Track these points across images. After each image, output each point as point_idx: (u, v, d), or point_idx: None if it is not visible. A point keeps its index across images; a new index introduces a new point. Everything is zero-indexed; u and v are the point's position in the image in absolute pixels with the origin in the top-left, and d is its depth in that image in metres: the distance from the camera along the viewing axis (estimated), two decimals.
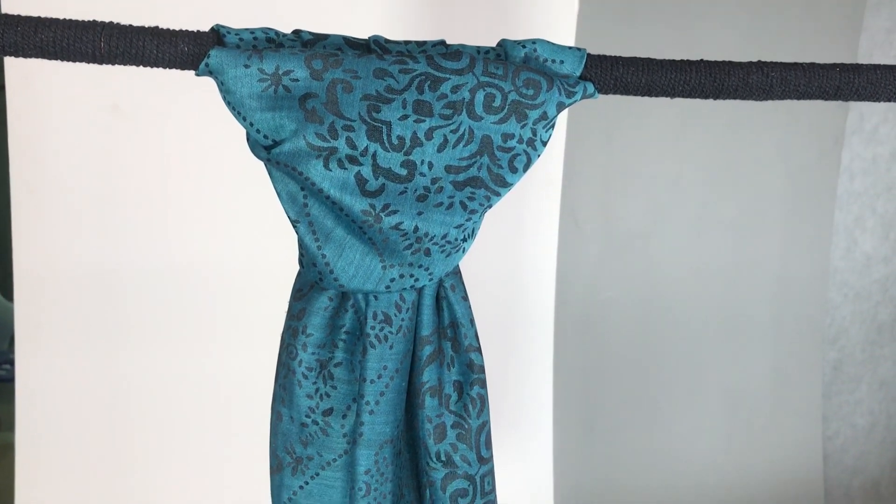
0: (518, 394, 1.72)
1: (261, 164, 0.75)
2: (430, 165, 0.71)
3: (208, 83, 0.80)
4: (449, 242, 0.76)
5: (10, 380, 1.79)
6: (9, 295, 1.71)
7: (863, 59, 2.03)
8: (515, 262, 1.81)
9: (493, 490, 0.84)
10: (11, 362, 1.75)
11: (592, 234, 1.89)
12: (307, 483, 0.81)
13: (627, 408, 1.94)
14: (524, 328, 1.83)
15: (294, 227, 0.74)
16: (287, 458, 0.81)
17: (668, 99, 0.74)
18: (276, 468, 0.82)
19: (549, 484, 1.88)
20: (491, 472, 0.84)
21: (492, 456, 0.84)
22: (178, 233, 1.69)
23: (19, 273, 1.65)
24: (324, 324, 0.78)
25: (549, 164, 1.82)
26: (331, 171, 0.69)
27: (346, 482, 0.80)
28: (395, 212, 0.72)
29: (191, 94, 1.54)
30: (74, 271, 1.66)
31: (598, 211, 1.88)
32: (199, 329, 1.71)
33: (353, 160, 0.69)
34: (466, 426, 0.81)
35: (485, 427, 0.83)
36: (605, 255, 1.89)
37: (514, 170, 0.72)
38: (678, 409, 1.95)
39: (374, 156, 0.69)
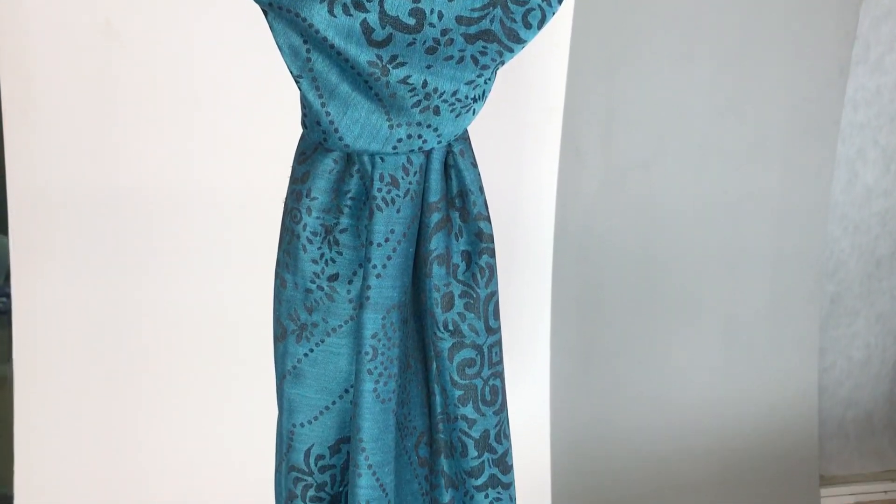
0: (515, 324, 1.72)
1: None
2: (440, 15, 0.68)
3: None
4: (459, 100, 0.74)
5: (5, 312, 1.79)
6: (3, 228, 1.70)
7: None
8: (515, 192, 1.80)
9: (501, 361, 0.83)
10: (7, 295, 1.74)
11: (593, 164, 1.87)
12: (312, 350, 0.80)
13: (625, 338, 1.94)
14: (523, 258, 1.82)
15: (297, 83, 0.72)
16: (291, 325, 0.80)
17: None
18: (280, 336, 0.81)
19: (546, 413, 1.89)
20: (498, 343, 0.83)
21: (500, 327, 0.83)
22: (173, 155, 1.66)
23: (13, 201, 1.64)
24: (328, 188, 0.77)
25: (551, 92, 1.80)
26: (335, 17, 0.67)
27: (353, 349, 0.79)
28: (402, 64, 0.69)
29: (184, 10, 1.51)
30: (69, 197, 1.64)
31: (599, 140, 1.86)
32: (197, 252, 1.70)
33: (358, 6, 0.67)
34: (474, 295, 0.80)
35: (493, 297, 0.82)
36: (606, 185, 1.88)
37: (528, 25, 0.70)
38: (675, 339, 1.96)
39: (381, 2, 0.67)
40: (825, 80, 1.92)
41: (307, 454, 0.81)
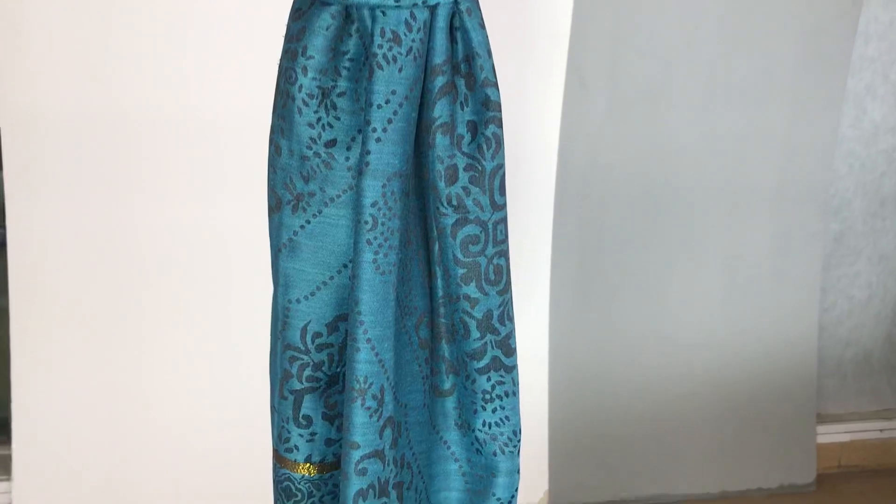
0: (515, 257, 1.69)
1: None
2: None
3: None
4: None
5: (2, 244, 1.76)
6: None
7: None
8: (518, 123, 1.77)
9: (506, 240, 0.81)
10: (3, 226, 1.72)
11: (598, 95, 1.83)
12: (309, 222, 0.76)
13: (625, 273, 1.93)
14: (524, 190, 1.80)
15: None
16: (287, 196, 0.76)
17: None
18: (275, 207, 0.78)
19: (544, 347, 1.89)
20: (504, 221, 0.80)
21: (505, 204, 0.80)
22: (167, 76, 1.62)
23: (6, 128, 1.60)
24: (326, 46, 0.73)
25: (556, 19, 1.75)
26: None
27: (352, 221, 0.76)
28: None
29: None
30: (61, 122, 1.61)
31: (604, 70, 1.82)
32: (190, 173, 1.67)
33: None
34: (479, 168, 0.77)
35: (499, 170, 0.78)
36: (611, 116, 1.84)
37: None
38: (676, 275, 1.94)
39: None
40: (837, 11, 1.88)
41: (303, 332, 0.78)
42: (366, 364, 0.74)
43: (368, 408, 0.74)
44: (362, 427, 0.74)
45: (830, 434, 2.16)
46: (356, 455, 0.74)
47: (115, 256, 1.68)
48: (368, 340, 0.74)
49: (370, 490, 0.75)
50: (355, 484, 0.74)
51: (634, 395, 1.96)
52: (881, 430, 2.19)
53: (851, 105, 2.05)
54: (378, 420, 0.75)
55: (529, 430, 1.89)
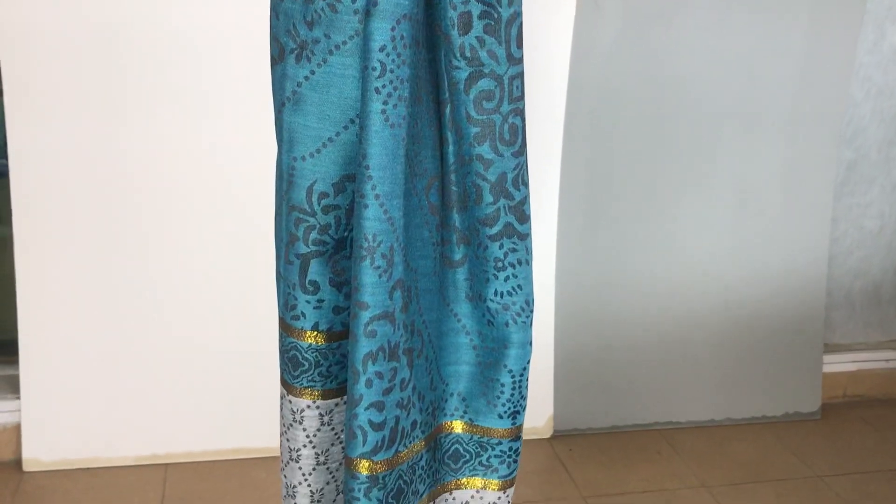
0: None
1: None
2: None
3: None
4: None
5: (3, 174, 1.74)
6: None
7: None
8: (527, 43, 1.72)
9: (522, 97, 0.76)
10: (5, 156, 1.69)
11: (611, 14, 1.78)
12: (314, 72, 0.73)
13: (635, 197, 1.90)
14: (533, 111, 1.76)
15: None
16: (290, 43, 0.72)
17: None
18: (278, 56, 0.74)
19: (551, 273, 1.87)
20: (521, 77, 0.76)
21: (522, 58, 0.75)
22: None
23: (6, 56, 1.57)
24: None
25: None
26: None
27: (359, 71, 0.72)
28: None
29: None
30: (60, 46, 1.58)
31: None
32: (195, 97, 1.64)
33: None
34: (495, 16, 0.72)
35: (516, 19, 0.74)
36: (623, 36, 1.80)
37: None
38: (687, 199, 1.92)
39: None
40: None
41: (309, 192, 0.75)
42: (374, 221, 0.71)
43: (378, 267, 0.71)
44: (371, 287, 0.71)
45: (837, 364, 2.15)
46: (365, 316, 0.72)
47: (114, 180, 1.66)
48: (377, 196, 0.70)
49: (380, 352, 0.72)
50: (364, 346, 0.72)
51: (641, 322, 1.95)
52: (887, 361, 2.19)
53: (870, 28, 2.00)
54: (388, 280, 0.72)
55: (535, 356, 1.88)
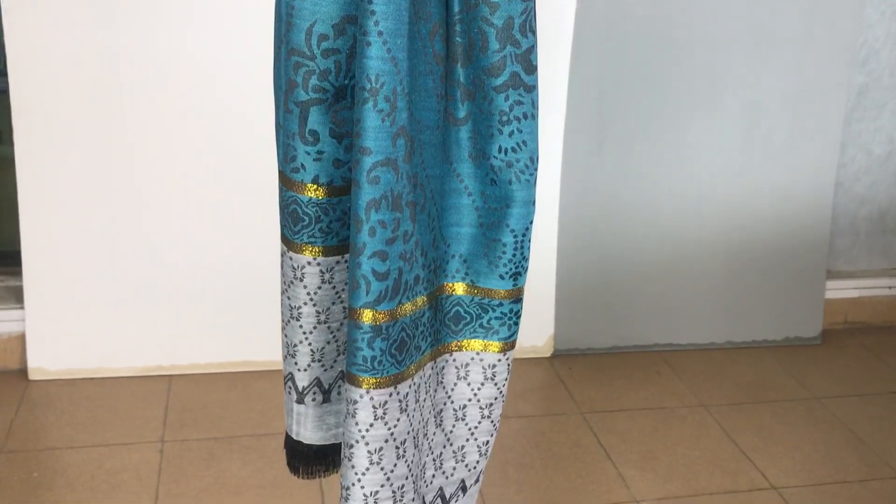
0: None
1: None
2: None
3: None
4: None
5: (3, 91, 1.72)
6: None
7: None
8: None
9: None
10: (4, 73, 1.67)
11: None
12: None
13: (642, 119, 1.88)
14: (542, 33, 1.72)
15: None
16: None
17: None
18: None
19: (555, 193, 1.86)
20: None
21: None
22: None
23: None
24: None
25: None
26: None
27: None
28: None
29: None
30: None
31: None
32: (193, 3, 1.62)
33: None
34: None
35: None
36: None
37: None
38: (694, 121, 1.90)
39: None
40: None
41: (308, 33, 0.73)
42: (377, 61, 0.69)
43: (381, 110, 0.69)
44: (374, 131, 0.70)
45: (839, 290, 2.15)
46: (368, 162, 0.70)
47: (114, 92, 1.65)
48: (380, 34, 0.68)
49: (383, 200, 0.71)
50: (367, 193, 0.70)
51: (644, 244, 1.95)
52: (890, 288, 2.19)
53: None
54: (391, 126, 0.70)
55: (537, 274, 1.89)
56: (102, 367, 1.76)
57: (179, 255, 1.74)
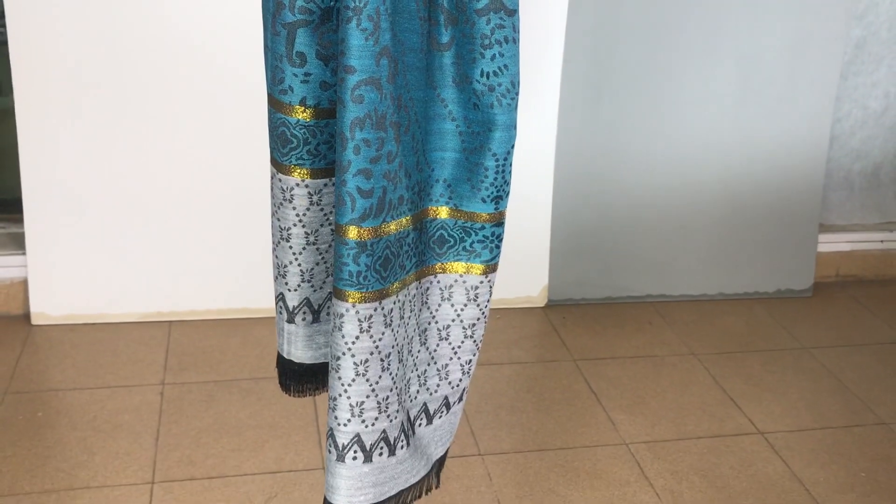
0: (526, 54, 1.66)
1: None
2: None
3: None
4: None
5: (3, 42, 1.73)
6: None
7: None
8: None
9: None
10: (3, 24, 1.67)
11: None
12: None
13: (638, 71, 1.89)
14: None
15: None
16: None
17: None
18: None
19: (552, 143, 1.88)
20: None
21: None
22: None
23: None
24: None
25: None
26: None
27: None
28: None
29: None
30: None
31: None
32: None
33: None
34: None
35: None
36: None
37: None
38: (690, 73, 1.90)
39: None
40: None
41: None
42: None
43: (364, 29, 0.72)
44: (358, 50, 0.72)
45: (831, 243, 2.18)
46: (352, 80, 0.72)
47: (113, 38, 1.65)
48: None
49: (367, 119, 0.73)
50: (352, 111, 0.73)
51: (638, 195, 1.97)
52: (882, 241, 2.21)
53: None
54: (374, 45, 0.72)
55: (532, 224, 1.91)
56: (103, 312, 1.79)
57: (180, 204, 1.76)
